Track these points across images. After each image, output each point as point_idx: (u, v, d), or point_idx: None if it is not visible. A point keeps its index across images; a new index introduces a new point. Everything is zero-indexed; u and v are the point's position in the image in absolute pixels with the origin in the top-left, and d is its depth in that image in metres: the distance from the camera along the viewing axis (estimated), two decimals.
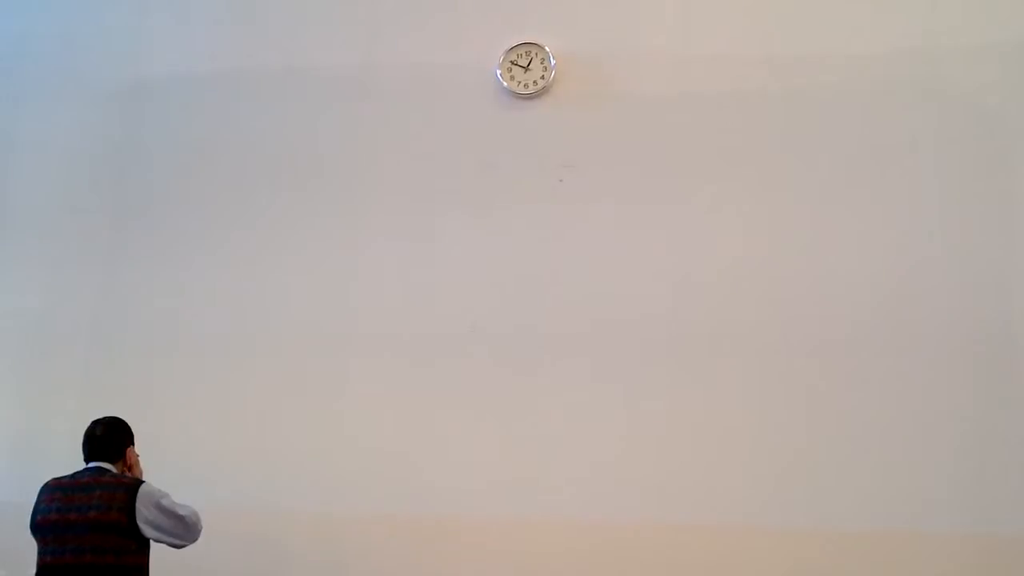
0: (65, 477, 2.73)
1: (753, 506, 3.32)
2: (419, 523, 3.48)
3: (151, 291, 3.89)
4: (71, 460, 3.64)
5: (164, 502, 2.67)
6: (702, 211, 3.63)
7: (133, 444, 2.84)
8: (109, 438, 2.77)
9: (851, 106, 3.64)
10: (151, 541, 2.68)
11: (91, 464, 2.74)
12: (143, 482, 2.69)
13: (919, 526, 3.21)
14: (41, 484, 3.63)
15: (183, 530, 2.73)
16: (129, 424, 2.87)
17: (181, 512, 2.71)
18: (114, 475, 2.72)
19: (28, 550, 3.52)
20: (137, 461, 2.84)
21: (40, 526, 2.67)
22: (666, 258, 3.61)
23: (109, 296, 3.91)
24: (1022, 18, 3.60)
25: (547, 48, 3.81)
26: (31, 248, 4.04)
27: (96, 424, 2.80)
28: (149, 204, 4.00)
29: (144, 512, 2.62)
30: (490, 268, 3.71)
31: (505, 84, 3.82)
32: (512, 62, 3.84)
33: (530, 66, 3.82)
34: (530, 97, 3.82)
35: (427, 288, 3.73)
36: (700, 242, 3.60)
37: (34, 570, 3.36)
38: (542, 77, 3.80)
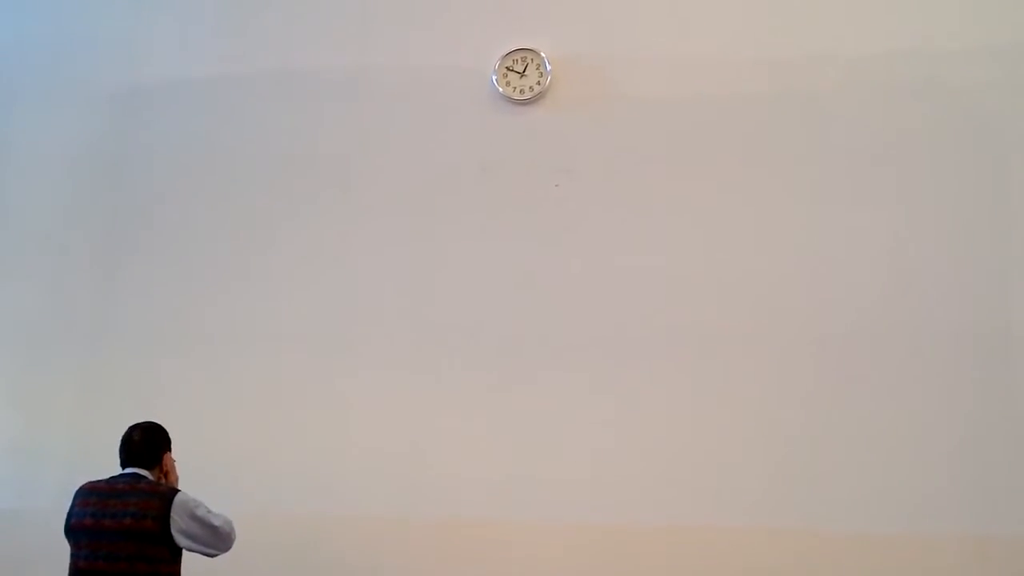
0: (101, 481, 2.70)
1: (751, 507, 3.33)
2: (418, 524, 3.48)
3: (148, 294, 3.88)
4: (69, 465, 3.69)
5: (199, 512, 2.66)
6: (700, 214, 3.61)
7: (170, 450, 2.82)
8: (146, 444, 2.75)
9: (849, 107, 3.63)
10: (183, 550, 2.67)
11: (127, 470, 2.72)
12: (179, 491, 2.68)
13: (917, 526, 3.22)
14: (39, 489, 3.69)
15: (216, 540, 2.72)
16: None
17: (215, 522, 2.70)
18: (150, 482, 2.70)
19: (26, 554, 3.56)
20: (173, 467, 2.83)
21: (74, 530, 2.64)
22: (663, 261, 3.59)
23: (106, 299, 3.90)
24: (1020, 19, 3.60)
25: (542, 53, 3.81)
26: (28, 252, 4.02)
27: (133, 429, 2.78)
28: (146, 207, 3.99)
29: (179, 522, 2.61)
30: (487, 273, 3.70)
31: (501, 90, 3.82)
32: (508, 68, 3.84)
33: (526, 71, 3.83)
34: (526, 102, 3.82)
35: (425, 292, 3.73)
36: (698, 244, 3.58)
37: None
38: (538, 83, 3.81)
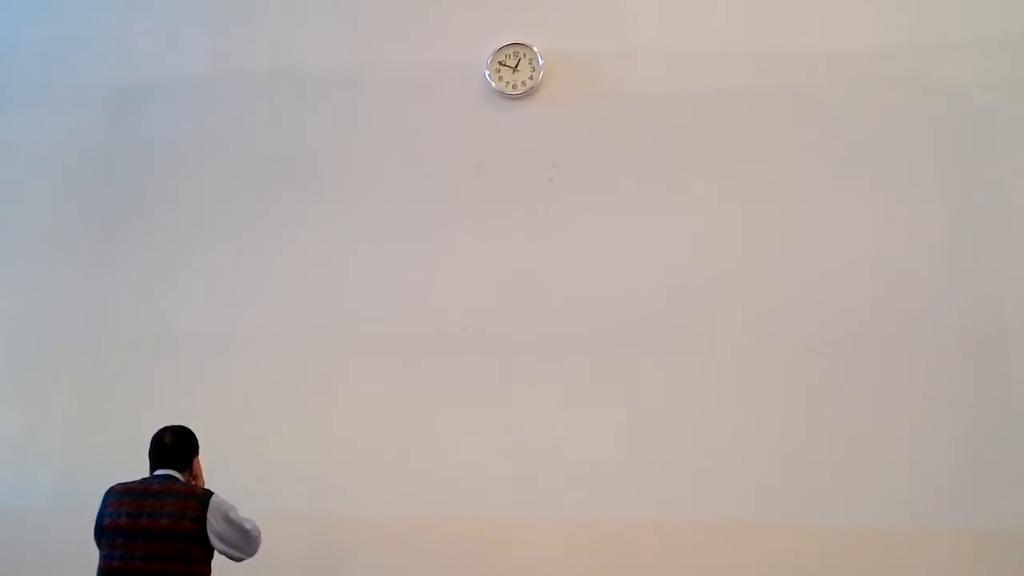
0: (134, 482, 2.71)
1: (750, 503, 3.34)
2: (415, 522, 3.46)
3: (143, 294, 3.86)
4: (66, 465, 3.70)
5: (232, 515, 2.70)
6: (692, 209, 3.62)
7: (198, 453, 2.85)
8: (178, 446, 2.77)
9: (842, 103, 3.64)
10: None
11: (159, 472, 2.73)
12: (213, 493, 2.70)
13: (916, 521, 3.24)
14: (36, 489, 3.69)
15: (246, 544, 2.75)
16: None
17: (247, 526, 2.73)
18: (184, 484, 2.72)
19: (23, 554, 3.56)
20: (201, 471, 2.85)
21: (107, 530, 2.63)
22: (657, 256, 3.60)
23: (100, 299, 3.88)
24: (1014, 13, 3.63)
25: (535, 48, 3.82)
26: (22, 252, 3.99)
27: (164, 432, 2.80)
28: (139, 206, 3.97)
29: (213, 523, 2.64)
30: (480, 268, 3.69)
31: (493, 84, 3.83)
32: (500, 62, 3.85)
33: (518, 66, 3.84)
34: (518, 97, 3.83)
35: (418, 288, 3.71)
36: (691, 240, 3.60)
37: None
38: (530, 77, 3.82)
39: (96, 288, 3.91)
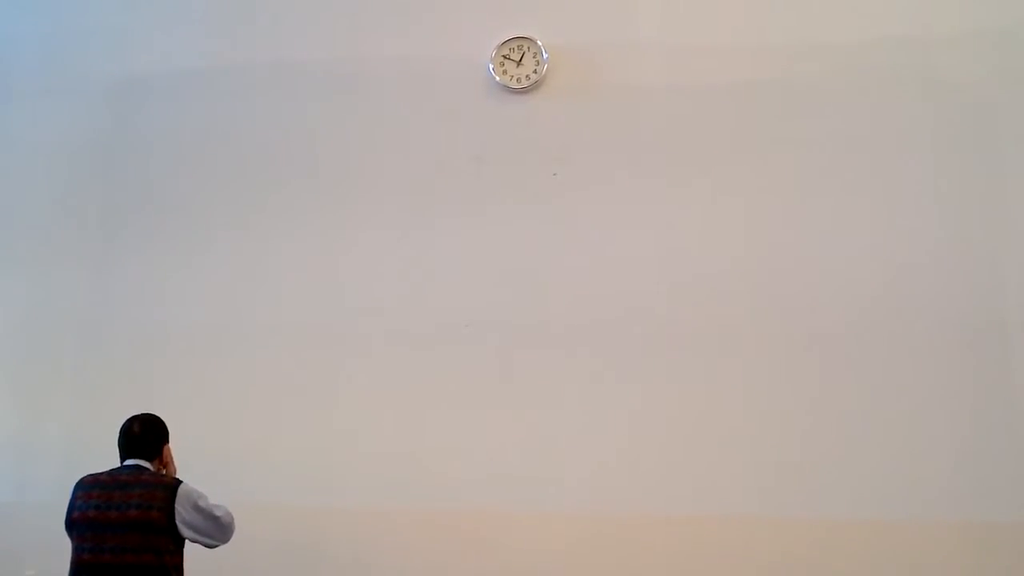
0: (102, 473, 2.69)
1: (754, 497, 3.33)
2: (417, 517, 3.47)
3: (143, 289, 3.87)
4: (66, 459, 3.68)
5: (201, 503, 2.67)
6: (696, 203, 3.61)
7: (168, 441, 2.82)
8: (147, 435, 2.75)
9: (845, 96, 3.63)
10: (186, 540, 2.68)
11: (128, 462, 2.71)
12: (182, 482, 2.68)
13: (920, 514, 3.24)
14: (36, 483, 3.68)
15: (218, 532, 2.74)
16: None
17: (217, 513, 2.72)
18: (153, 473, 2.70)
19: (23, 548, 3.56)
20: (172, 459, 2.83)
21: (77, 523, 2.62)
22: (661, 251, 3.59)
23: (100, 295, 3.89)
24: (1013, 5, 3.60)
25: (539, 42, 3.81)
26: (21, 247, 4.01)
27: (133, 421, 2.78)
28: (140, 202, 3.98)
29: (183, 513, 2.62)
30: (484, 263, 3.69)
31: (497, 78, 3.81)
32: (504, 56, 3.83)
33: (522, 60, 3.82)
34: (522, 91, 3.81)
35: (421, 283, 3.71)
36: (695, 235, 3.57)
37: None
38: (534, 71, 3.80)
39: (96, 283, 3.93)
